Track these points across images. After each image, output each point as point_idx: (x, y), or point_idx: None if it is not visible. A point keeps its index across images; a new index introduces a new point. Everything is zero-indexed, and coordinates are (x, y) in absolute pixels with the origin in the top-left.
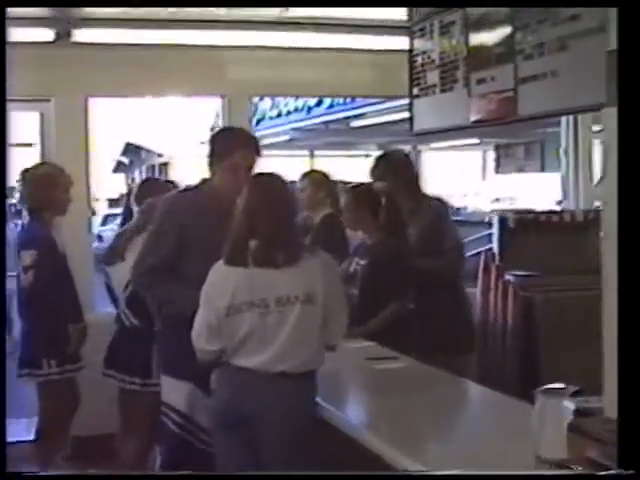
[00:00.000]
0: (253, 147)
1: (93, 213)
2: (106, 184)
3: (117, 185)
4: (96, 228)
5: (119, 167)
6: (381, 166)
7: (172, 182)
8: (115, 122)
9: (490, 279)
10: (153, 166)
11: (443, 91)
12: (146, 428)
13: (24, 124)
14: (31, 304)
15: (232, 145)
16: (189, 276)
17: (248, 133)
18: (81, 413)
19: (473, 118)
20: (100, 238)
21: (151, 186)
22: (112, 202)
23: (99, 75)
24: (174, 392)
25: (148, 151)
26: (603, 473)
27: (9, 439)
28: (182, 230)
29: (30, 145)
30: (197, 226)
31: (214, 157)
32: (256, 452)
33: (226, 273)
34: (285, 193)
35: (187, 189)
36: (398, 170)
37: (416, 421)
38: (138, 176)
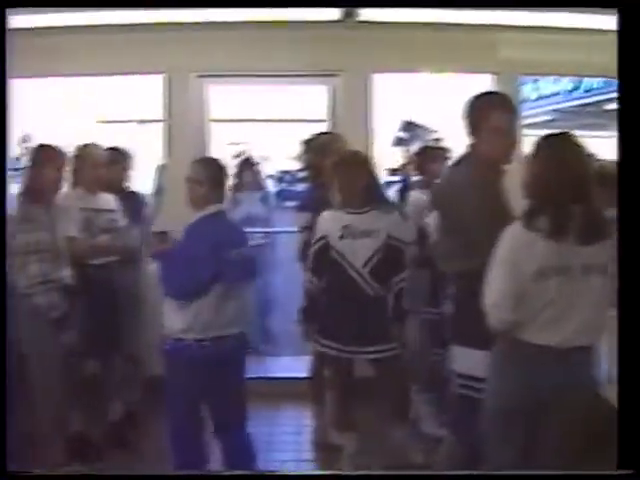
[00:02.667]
0: (508, 107)
1: None
2: (387, 156)
3: (396, 157)
4: None
5: (398, 141)
6: None
7: (443, 148)
8: (394, 100)
9: None
10: (427, 141)
11: None
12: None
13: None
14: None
15: (485, 107)
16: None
17: (501, 94)
18: None
19: None
20: None
21: (429, 154)
22: (391, 171)
23: (383, 52)
24: (470, 361)
25: (424, 128)
26: (603, 473)
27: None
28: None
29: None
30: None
31: (470, 123)
32: (532, 440)
33: (529, 236)
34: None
35: (456, 162)
36: None
37: None
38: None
